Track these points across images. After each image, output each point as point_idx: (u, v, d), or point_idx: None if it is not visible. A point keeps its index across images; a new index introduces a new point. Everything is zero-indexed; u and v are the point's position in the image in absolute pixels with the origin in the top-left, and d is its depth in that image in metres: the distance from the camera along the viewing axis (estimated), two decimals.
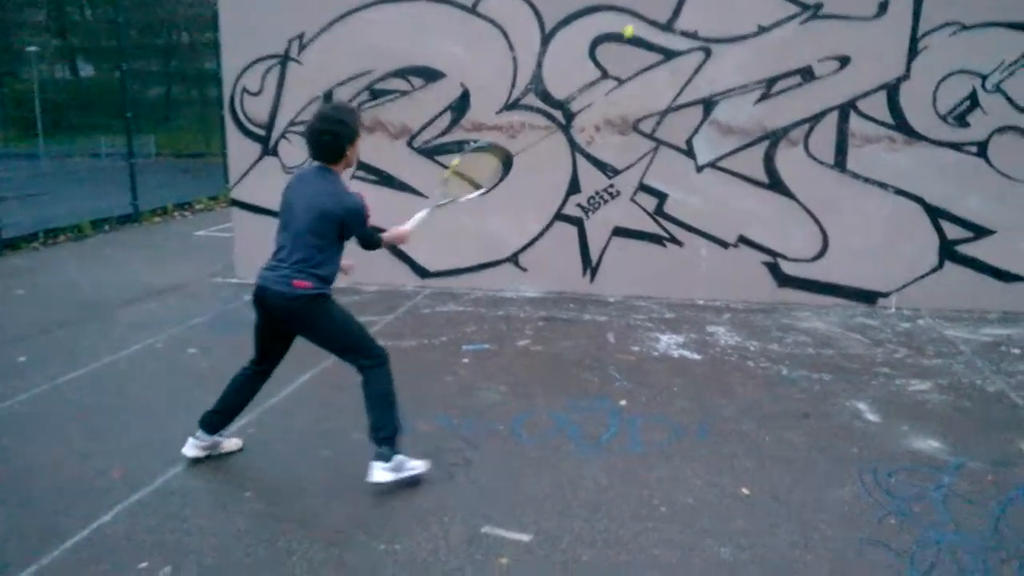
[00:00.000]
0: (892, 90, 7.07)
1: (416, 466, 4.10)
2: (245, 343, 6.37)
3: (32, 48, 26.31)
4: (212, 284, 8.58)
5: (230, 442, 4.50)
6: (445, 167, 7.83)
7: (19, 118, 30.03)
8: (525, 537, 3.63)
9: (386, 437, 4.02)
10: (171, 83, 32.75)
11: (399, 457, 4.04)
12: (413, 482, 4.08)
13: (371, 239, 4.21)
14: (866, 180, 7.24)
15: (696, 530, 3.68)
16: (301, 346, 6.36)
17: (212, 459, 4.42)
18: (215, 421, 4.33)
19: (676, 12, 7.31)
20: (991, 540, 3.57)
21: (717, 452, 4.48)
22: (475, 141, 5.05)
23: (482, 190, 4.82)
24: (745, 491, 4.04)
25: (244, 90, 8.41)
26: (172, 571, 3.39)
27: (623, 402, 5.23)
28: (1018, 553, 3.46)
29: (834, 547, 3.53)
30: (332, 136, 3.93)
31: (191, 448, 4.33)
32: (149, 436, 4.74)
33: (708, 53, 7.32)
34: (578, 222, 7.85)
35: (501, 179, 4.85)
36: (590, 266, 7.91)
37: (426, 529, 3.70)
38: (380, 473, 3.99)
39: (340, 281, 8.09)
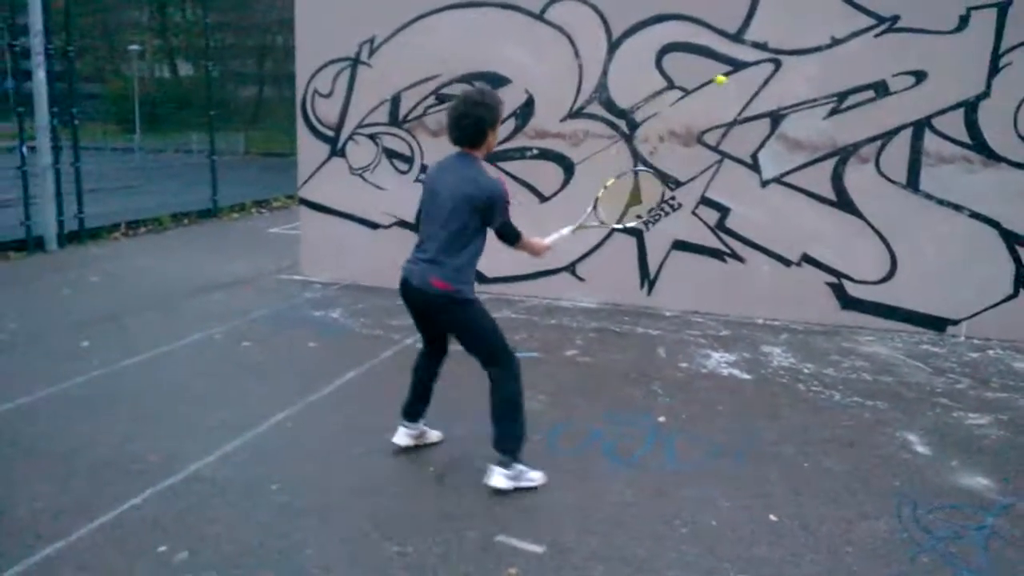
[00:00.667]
0: (970, 108, 6.77)
1: (535, 478, 4.14)
2: (299, 338, 6.60)
3: (134, 47, 27.56)
4: (277, 280, 8.78)
5: (433, 433, 4.62)
6: (507, 173, 7.96)
7: (119, 114, 31.44)
8: (539, 548, 3.59)
9: (509, 447, 4.07)
10: (263, 84, 33.89)
11: (520, 467, 4.09)
12: (440, 484, 4.10)
13: (511, 232, 4.09)
14: (939, 201, 6.94)
15: (715, 554, 3.58)
16: (352, 345, 6.48)
17: (247, 450, 4.51)
18: (414, 410, 4.48)
19: (746, 22, 7.16)
20: None
21: (751, 475, 4.35)
22: (640, 167, 4.95)
23: (632, 223, 4.73)
24: (773, 517, 3.91)
25: (316, 92, 8.60)
26: (189, 556, 3.47)
27: (662, 419, 5.13)
28: None
29: None
30: (475, 120, 3.91)
31: (402, 437, 4.49)
32: (192, 424, 4.86)
33: (778, 65, 7.14)
34: (638, 233, 7.75)
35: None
36: (648, 279, 7.80)
37: (440, 533, 3.69)
38: (499, 479, 4.05)
39: (396, 282, 8.24)
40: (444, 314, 4.04)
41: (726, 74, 7.08)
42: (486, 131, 3.95)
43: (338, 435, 4.78)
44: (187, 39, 32.07)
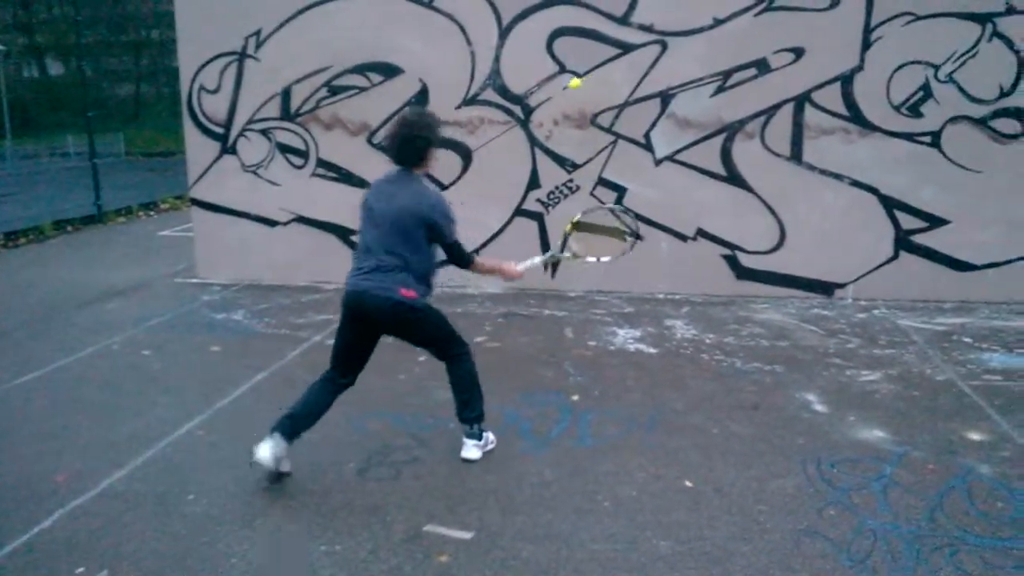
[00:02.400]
0: (846, 81, 7.11)
1: (493, 439, 4.46)
2: (201, 343, 6.44)
3: None
4: (172, 284, 8.52)
5: (287, 461, 4.19)
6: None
7: None
8: (466, 534, 3.63)
9: (475, 417, 4.33)
10: (141, 81, 32.58)
11: (486, 435, 4.39)
12: (362, 479, 4.10)
13: (462, 253, 4.22)
14: (822, 172, 7.28)
15: (637, 524, 3.70)
16: (257, 346, 6.35)
17: (158, 463, 4.39)
18: (296, 429, 4.11)
19: (632, 5, 7.31)
20: (927, 529, 3.61)
21: (664, 445, 4.50)
22: (613, 207, 5.06)
23: (607, 258, 4.80)
24: (688, 484, 4.06)
25: (202, 88, 8.35)
26: (108, 575, 3.36)
27: (575, 397, 5.24)
28: (951, 541, 3.50)
29: (772, 539, 3.56)
30: (425, 141, 4.04)
31: (269, 452, 4.02)
32: (97, 439, 4.70)
33: (664, 46, 7.33)
34: (538, 217, 7.85)
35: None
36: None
37: (368, 528, 3.69)
38: (473, 451, 4.33)
39: (301, 279, 8.10)
40: (402, 322, 4.10)
41: (578, 77, 7.13)
42: (427, 151, 4.09)
43: (251, 439, 4.63)
44: (56, 36, 30.50)
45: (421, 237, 4.01)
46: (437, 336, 4.28)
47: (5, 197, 14.73)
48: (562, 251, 4.76)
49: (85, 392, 5.47)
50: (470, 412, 4.33)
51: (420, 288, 4.07)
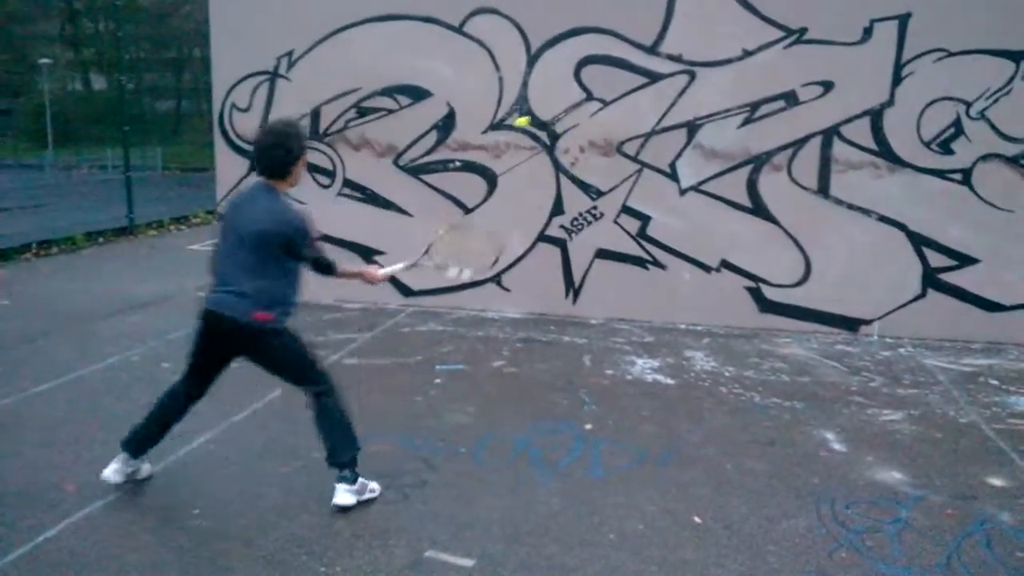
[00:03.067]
0: (876, 116, 7.04)
1: (375, 488, 4.15)
2: None
3: (45, 60, 26.66)
4: (196, 298, 8.54)
5: (146, 467, 4.32)
6: (430, 186, 7.95)
7: (32, 130, 30.36)
8: (468, 562, 3.59)
9: (346, 462, 4.03)
10: (181, 97, 33.15)
11: (362, 480, 4.07)
12: (367, 503, 4.07)
13: (323, 263, 4.11)
14: (849, 206, 7.19)
15: (642, 558, 3.63)
16: None
17: (166, 475, 4.40)
18: (145, 445, 4.19)
19: (661, 35, 7.31)
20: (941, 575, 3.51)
21: (676, 479, 4.43)
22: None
23: (468, 272, 4.72)
24: (697, 519, 3.99)
25: (233, 106, 8.47)
26: None
27: (589, 426, 5.19)
28: None
29: None
30: (286, 151, 3.88)
31: (116, 473, 4.13)
32: (110, 449, 4.66)
33: (692, 76, 7.31)
34: (561, 243, 7.83)
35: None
36: (572, 288, 7.88)
37: (369, 552, 3.66)
38: (345, 496, 3.99)
39: (324, 298, 8.13)
40: (254, 346, 3.96)
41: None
42: (295, 163, 3.92)
43: (262, 455, 4.70)
44: (100, 51, 31.18)
45: (275, 255, 3.86)
46: (292, 365, 4.06)
47: (41, 207, 15.00)
48: (426, 257, 4.61)
49: (102, 402, 5.51)
50: (338, 457, 4.03)
51: (276, 310, 3.90)
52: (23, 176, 21.33)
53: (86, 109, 30.03)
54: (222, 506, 4.07)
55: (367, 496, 4.08)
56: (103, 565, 3.53)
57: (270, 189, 3.93)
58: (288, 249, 3.88)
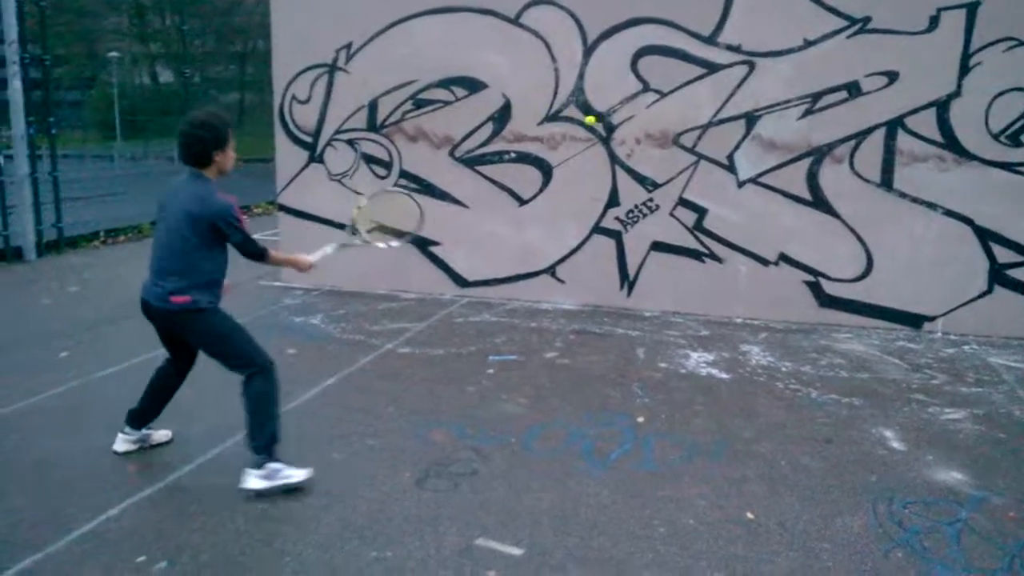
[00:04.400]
0: (942, 107, 6.85)
1: (294, 474, 4.10)
2: (278, 345, 6.59)
3: (114, 54, 27.41)
4: (257, 287, 8.77)
5: (159, 434, 4.66)
6: (486, 177, 7.98)
7: (101, 122, 31.23)
8: (517, 551, 3.61)
9: (258, 445, 4.09)
10: (244, 89, 33.74)
11: (274, 466, 4.06)
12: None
13: (253, 248, 4.19)
14: (913, 200, 7.02)
15: (692, 553, 3.61)
16: (332, 351, 6.48)
17: (225, 459, 4.51)
18: (142, 419, 4.54)
19: (720, 25, 7.21)
20: None
21: (728, 474, 4.39)
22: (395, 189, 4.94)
23: (395, 243, 4.86)
24: (750, 515, 3.95)
25: (293, 98, 8.60)
26: (167, 566, 3.46)
27: (641, 419, 5.16)
28: None
29: None
30: (200, 141, 4.01)
31: (121, 443, 4.52)
32: (172, 432, 4.85)
33: (752, 67, 7.20)
34: (617, 235, 7.79)
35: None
36: (627, 280, 7.84)
37: (420, 538, 3.71)
38: (253, 481, 4.05)
39: (380, 287, 8.19)
40: (184, 326, 4.15)
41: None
42: (211, 153, 4.04)
43: (317, 441, 4.78)
44: (166, 45, 31.91)
45: (200, 240, 3.99)
46: (220, 347, 4.17)
47: (111, 196, 15.42)
48: (352, 235, 4.67)
49: None
50: (256, 440, 4.07)
51: (198, 293, 4.04)
52: (93, 166, 21.97)
53: (153, 101, 30.78)
54: (276, 490, 4.15)
55: (280, 482, 4.06)
56: (163, 544, 3.63)
57: (198, 176, 4.08)
58: (214, 232, 4.00)
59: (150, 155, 25.79)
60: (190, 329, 4.17)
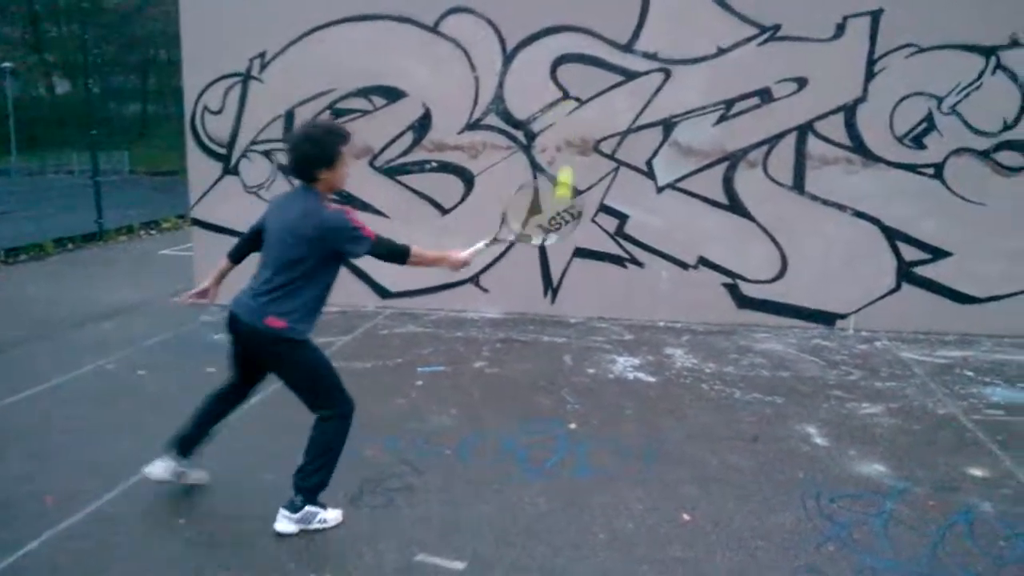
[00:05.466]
0: (849, 112, 7.11)
1: (329, 518, 3.88)
2: (197, 364, 6.38)
3: (6, 64, 26.21)
4: (171, 304, 8.48)
5: (196, 474, 4.23)
6: (407, 187, 7.91)
7: None
8: (459, 565, 3.57)
9: (308, 487, 3.82)
10: (147, 100, 32.76)
11: (311, 509, 3.83)
12: (354, 506, 4.03)
13: (392, 250, 3.80)
14: (824, 202, 7.26)
15: (633, 558, 3.63)
16: None
17: (150, 485, 4.32)
18: (190, 447, 4.13)
19: (636, 33, 7.33)
20: (927, 567, 3.54)
21: (662, 477, 4.44)
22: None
23: (555, 237, 4.50)
24: (686, 517, 4.00)
25: (205, 108, 8.37)
26: None
27: (573, 425, 5.19)
28: None
29: (770, 575, 3.49)
30: (302, 154, 3.68)
31: (162, 470, 4.08)
32: (89, 459, 4.65)
33: (668, 74, 7.34)
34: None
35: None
36: (551, 287, 7.88)
37: (359, 557, 3.63)
38: (283, 523, 3.80)
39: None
40: (272, 354, 3.78)
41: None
42: (314, 170, 3.68)
43: (248, 461, 4.64)
44: (63, 55, 30.71)
45: (307, 259, 3.64)
46: (307, 383, 3.84)
47: (8, 214, 14.72)
48: (505, 229, 4.39)
49: (78, 411, 5.42)
50: (304, 480, 3.81)
51: (296, 320, 3.68)
52: None
53: (51, 113, 29.57)
54: (208, 515, 4.02)
55: (316, 526, 3.83)
56: None
57: (307, 189, 3.73)
58: (324, 251, 3.67)
59: (47, 169, 24.78)
60: (278, 358, 3.78)
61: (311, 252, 3.64)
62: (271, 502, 4.11)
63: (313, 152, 3.66)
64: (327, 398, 3.84)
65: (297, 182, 3.79)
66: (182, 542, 3.76)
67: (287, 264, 3.66)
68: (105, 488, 4.26)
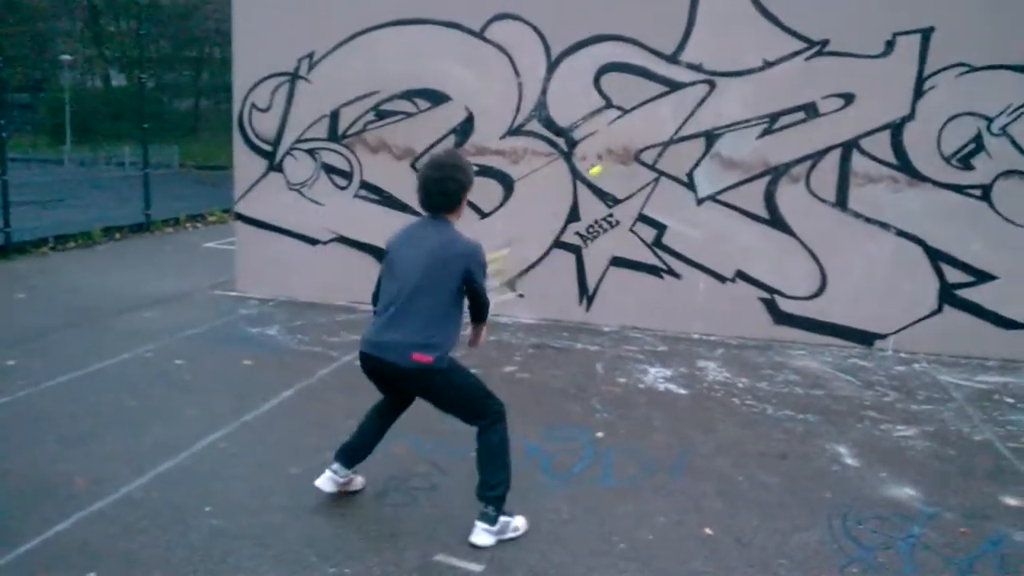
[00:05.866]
0: (896, 130, 7.00)
1: (519, 526, 3.89)
2: (234, 356, 6.50)
3: (65, 56, 26.83)
4: (212, 296, 8.63)
5: (359, 479, 4.26)
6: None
7: (51, 125, 30.52)
8: (477, 567, 3.59)
9: (497, 496, 3.81)
10: (200, 96, 33.33)
11: (504, 519, 3.81)
12: (378, 503, 4.05)
13: (485, 300, 3.88)
14: (867, 220, 7.16)
15: (652, 569, 3.62)
16: (289, 362, 6.39)
17: (179, 472, 4.42)
18: (356, 456, 4.10)
19: (681, 44, 7.30)
20: None
21: (687, 490, 4.41)
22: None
23: (512, 295, 4.61)
24: (708, 531, 3.97)
25: (253, 106, 8.50)
26: None
27: (600, 434, 5.17)
28: None
29: None
30: (458, 184, 3.77)
31: (329, 482, 4.07)
32: (122, 445, 4.74)
33: (712, 86, 7.30)
34: (576, 250, 7.82)
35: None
36: (587, 295, 7.87)
37: (379, 554, 3.66)
38: (482, 536, 3.76)
39: (338, 299, 8.09)
40: (421, 386, 3.81)
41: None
42: (462, 196, 3.81)
43: (274, 455, 4.71)
44: (121, 49, 31.37)
45: (451, 287, 3.70)
46: (460, 402, 3.85)
47: (60, 202, 15.09)
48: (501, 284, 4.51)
49: (115, 398, 5.53)
50: (491, 491, 3.79)
51: (441, 351, 3.69)
52: (42, 171, 21.49)
53: (106, 106, 30.21)
54: (233, 505, 4.08)
55: (510, 535, 3.81)
56: (114, 559, 3.54)
57: (443, 221, 3.81)
58: (466, 280, 3.73)
59: (100, 161, 25.30)
60: (428, 389, 3.81)
61: (454, 279, 3.70)
62: (295, 495, 4.19)
63: (466, 181, 3.80)
64: (480, 410, 3.84)
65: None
66: (208, 530, 3.82)
67: (429, 291, 3.68)
68: (136, 474, 4.35)
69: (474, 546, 3.73)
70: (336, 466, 4.09)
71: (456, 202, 3.80)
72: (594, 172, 6.90)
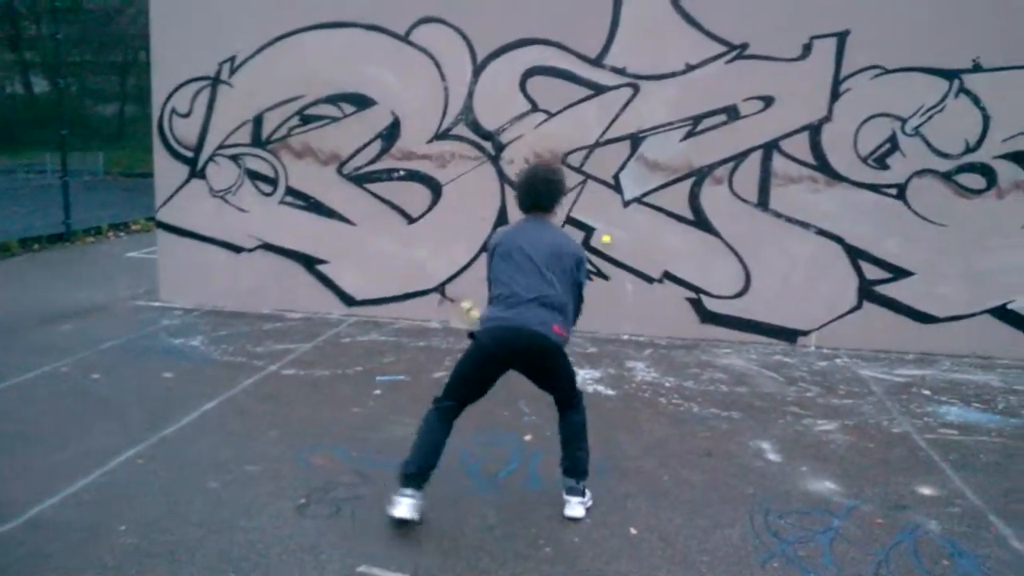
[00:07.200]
0: (814, 131, 7.16)
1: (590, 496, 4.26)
2: (154, 369, 6.32)
3: None
4: (133, 307, 8.39)
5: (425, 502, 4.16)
6: (374, 195, 7.89)
7: None
8: None
9: (584, 469, 4.19)
10: (125, 101, 32.46)
11: (588, 492, 4.23)
12: (300, 515, 3.97)
13: (583, 295, 4.32)
14: (788, 219, 7.30)
15: (577, 571, 3.62)
16: (211, 374, 6.24)
17: (92, 491, 4.27)
18: (427, 475, 4.03)
19: (606, 48, 7.35)
20: None
21: (613, 490, 4.43)
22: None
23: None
24: (633, 531, 3.99)
25: (173, 111, 8.31)
26: None
27: (528, 437, 5.17)
28: None
29: None
30: (560, 186, 4.24)
31: (410, 509, 3.92)
32: (32, 465, 4.57)
33: (636, 89, 7.37)
34: None
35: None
36: None
37: (300, 567, 3.59)
38: (578, 509, 4.12)
39: (264, 307, 7.96)
40: (549, 359, 4.12)
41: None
42: (561, 198, 4.30)
43: (192, 470, 4.58)
44: (42, 54, 30.38)
45: (571, 279, 4.13)
46: (570, 375, 4.27)
47: None
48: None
49: (26, 415, 5.33)
50: (581, 464, 4.19)
51: (568, 326, 4.15)
52: None
53: (26, 111, 29.25)
54: (149, 523, 3.95)
55: (589, 504, 4.19)
56: None
57: (547, 220, 4.27)
58: (576, 271, 4.16)
59: (19, 169, 24.47)
60: (553, 360, 4.14)
61: (570, 272, 4.15)
62: (214, 510, 4.09)
63: (564, 182, 4.31)
64: (575, 391, 4.30)
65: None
66: (122, 550, 3.70)
67: (560, 279, 4.08)
68: (45, 494, 4.19)
69: (572, 519, 4.06)
70: (410, 491, 3.96)
71: (558, 203, 4.30)
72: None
